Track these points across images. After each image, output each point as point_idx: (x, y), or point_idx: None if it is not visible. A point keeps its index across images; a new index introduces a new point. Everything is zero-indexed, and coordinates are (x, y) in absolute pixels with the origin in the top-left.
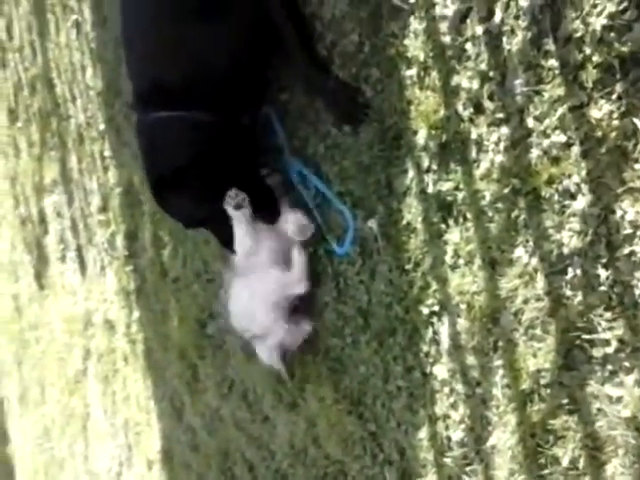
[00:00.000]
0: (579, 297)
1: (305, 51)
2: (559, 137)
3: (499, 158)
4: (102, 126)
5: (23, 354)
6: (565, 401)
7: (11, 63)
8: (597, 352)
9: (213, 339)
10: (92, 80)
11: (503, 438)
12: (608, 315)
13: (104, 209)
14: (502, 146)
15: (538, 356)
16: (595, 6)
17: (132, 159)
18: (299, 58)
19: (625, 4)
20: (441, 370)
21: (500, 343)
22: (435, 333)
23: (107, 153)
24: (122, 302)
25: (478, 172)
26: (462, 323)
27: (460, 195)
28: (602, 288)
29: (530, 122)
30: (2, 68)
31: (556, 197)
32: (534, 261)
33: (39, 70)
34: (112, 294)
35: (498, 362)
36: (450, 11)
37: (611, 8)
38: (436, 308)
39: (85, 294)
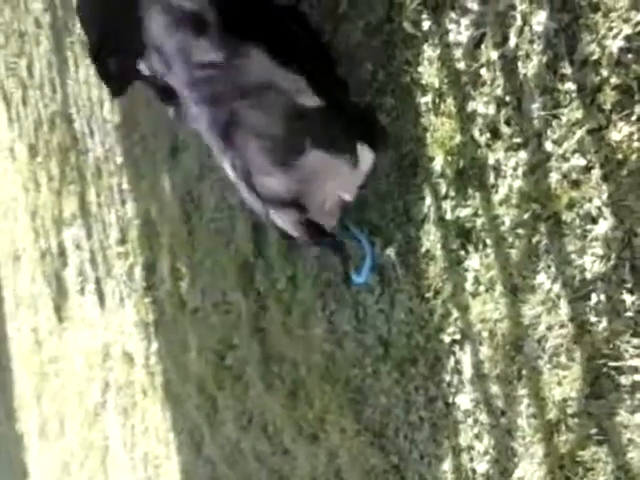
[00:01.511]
0: (604, 323)
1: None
2: (578, 160)
3: (518, 183)
4: (119, 159)
5: (42, 387)
6: (594, 431)
7: (32, 100)
8: (625, 380)
9: (232, 370)
10: (109, 114)
11: (530, 470)
12: (635, 341)
13: (123, 241)
14: (520, 171)
15: (564, 384)
16: (611, 29)
17: (150, 191)
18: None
19: None
20: (464, 400)
21: (524, 371)
22: (457, 362)
23: (125, 186)
24: (141, 334)
25: (497, 197)
26: (485, 351)
27: (479, 221)
28: (628, 314)
29: (548, 146)
30: (23, 105)
31: (577, 221)
32: (557, 287)
33: (58, 106)
34: (131, 326)
35: (523, 391)
36: (464, 37)
37: (627, 30)
38: (458, 336)
39: (104, 326)
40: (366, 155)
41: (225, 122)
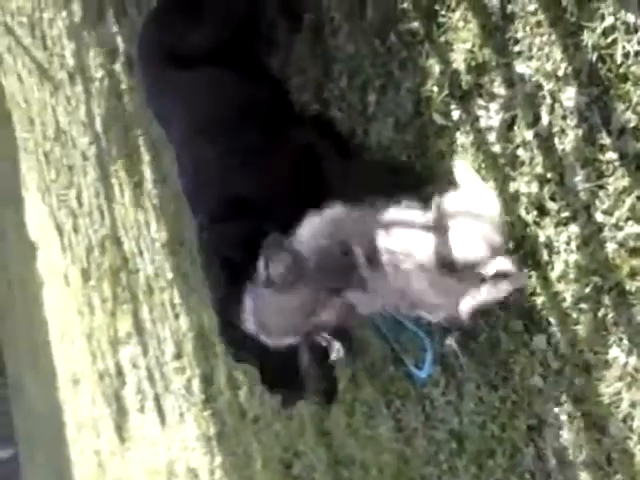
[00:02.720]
0: None
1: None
2: (633, 228)
3: (573, 257)
4: (170, 275)
5: None
6: None
7: (82, 228)
8: None
9: (301, 479)
10: (157, 233)
11: None
12: None
13: (178, 356)
14: (574, 245)
15: None
16: None
17: (200, 303)
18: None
19: None
20: None
21: (614, 455)
22: (539, 450)
23: (177, 300)
24: (203, 448)
25: (554, 274)
26: (566, 436)
27: (539, 300)
28: None
29: (599, 217)
30: (75, 233)
31: None
32: (633, 360)
33: (107, 230)
34: (193, 441)
35: (617, 477)
36: (495, 121)
37: None
38: (533, 421)
39: (166, 443)
40: None
41: None
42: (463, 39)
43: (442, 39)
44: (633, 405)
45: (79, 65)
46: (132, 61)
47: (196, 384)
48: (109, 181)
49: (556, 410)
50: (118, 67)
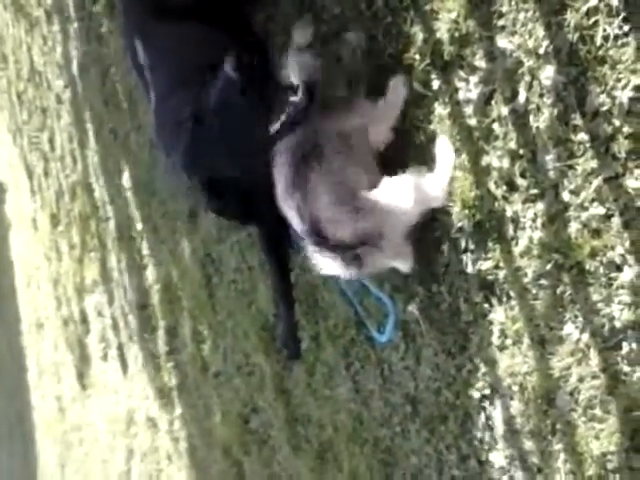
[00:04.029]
0: (638, 373)
1: None
2: (597, 209)
3: (537, 234)
4: (139, 225)
5: (67, 456)
6: None
7: (53, 171)
8: None
9: (258, 434)
10: (128, 182)
11: None
12: None
13: (144, 307)
14: (539, 222)
15: (601, 438)
16: (619, 80)
17: (170, 255)
18: None
19: None
20: (498, 457)
21: (558, 425)
22: (488, 418)
23: (145, 252)
24: (164, 399)
25: (517, 249)
26: (516, 406)
27: (501, 273)
28: None
29: (566, 196)
30: (45, 177)
31: (601, 270)
32: (585, 337)
33: (79, 176)
34: (154, 391)
35: (558, 446)
36: (474, 94)
37: (636, 81)
38: (487, 391)
39: (127, 393)
40: None
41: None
42: (449, 8)
43: (428, 7)
44: (581, 380)
45: (57, 3)
46: (114, 3)
47: (160, 335)
48: (83, 126)
49: (509, 381)
50: (99, 8)
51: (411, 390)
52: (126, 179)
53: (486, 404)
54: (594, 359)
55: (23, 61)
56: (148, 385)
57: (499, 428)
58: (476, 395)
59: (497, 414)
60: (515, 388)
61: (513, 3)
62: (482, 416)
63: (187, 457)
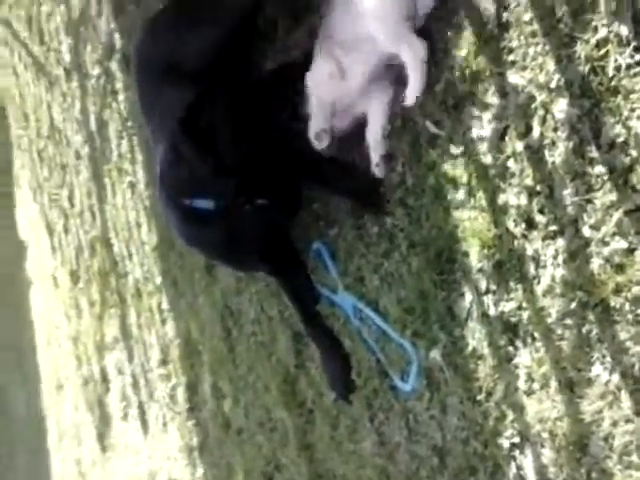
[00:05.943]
0: None
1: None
2: (619, 243)
3: (560, 272)
4: (158, 279)
5: None
6: None
7: (73, 228)
8: None
9: None
10: (147, 236)
11: None
12: None
13: (164, 362)
14: (561, 259)
15: None
16: (633, 110)
17: (189, 309)
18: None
19: None
20: None
21: (594, 474)
22: (519, 468)
23: (165, 306)
24: (186, 459)
25: (540, 288)
26: (547, 454)
27: (525, 314)
28: None
29: (586, 231)
30: (65, 233)
31: (627, 306)
32: (615, 378)
33: (98, 232)
34: (175, 451)
35: None
36: (487, 131)
37: None
38: (516, 439)
39: (148, 453)
40: None
41: None
42: (458, 47)
43: (437, 46)
44: (614, 424)
45: (75, 61)
46: (128, 59)
47: (181, 392)
48: (101, 181)
49: (538, 428)
50: (114, 65)
51: (438, 441)
52: (144, 233)
53: (516, 453)
54: (626, 401)
55: (43, 119)
56: (169, 445)
57: (531, 479)
58: (505, 444)
59: (528, 463)
60: (545, 435)
61: (522, 38)
62: (513, 466)
63: None
